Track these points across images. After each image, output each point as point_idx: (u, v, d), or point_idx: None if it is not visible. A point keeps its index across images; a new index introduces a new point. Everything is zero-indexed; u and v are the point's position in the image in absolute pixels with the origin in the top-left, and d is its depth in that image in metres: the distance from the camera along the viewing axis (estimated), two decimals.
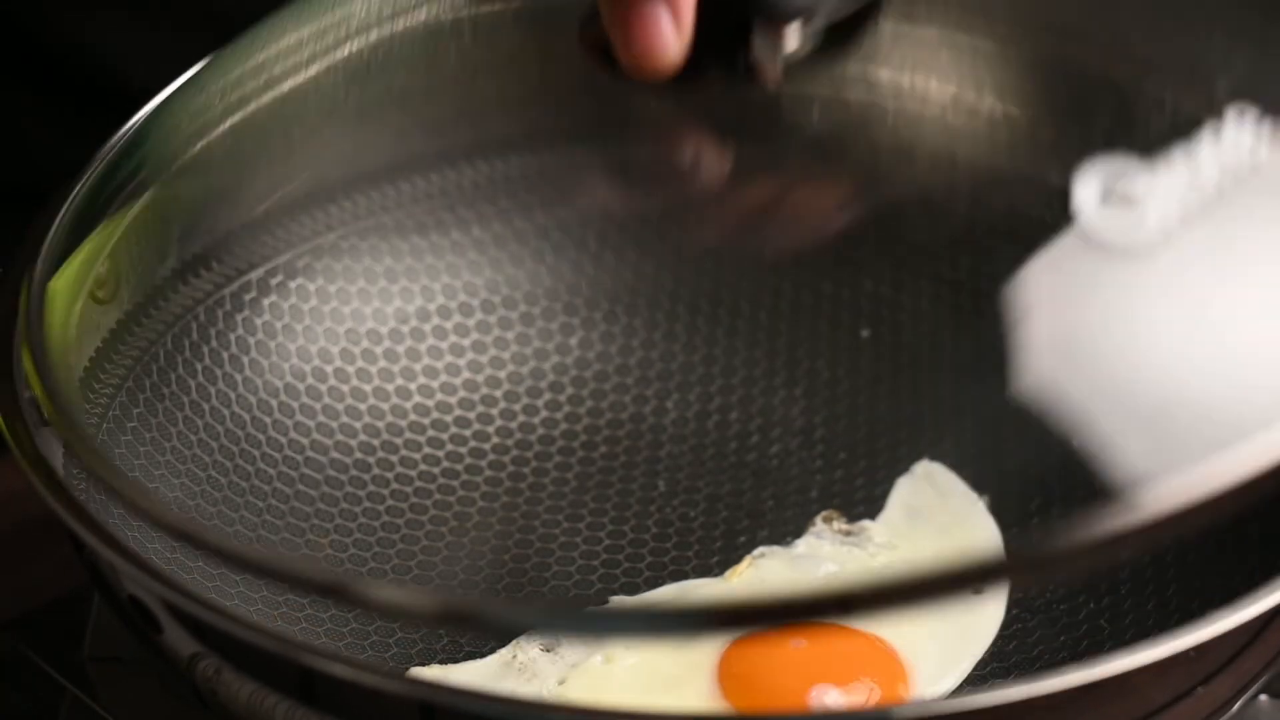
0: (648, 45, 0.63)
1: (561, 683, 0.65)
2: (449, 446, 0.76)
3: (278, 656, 0.55)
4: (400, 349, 0.77)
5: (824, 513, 0.73)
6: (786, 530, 0.73)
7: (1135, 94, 0.76)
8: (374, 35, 0.76)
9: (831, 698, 0.63)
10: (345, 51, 0.76)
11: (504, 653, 0.67)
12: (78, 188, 0.68)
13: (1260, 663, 0.60)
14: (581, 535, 0.73)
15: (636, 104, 0.76)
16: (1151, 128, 0.76)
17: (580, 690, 0.65)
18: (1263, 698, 0.65)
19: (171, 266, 0.72)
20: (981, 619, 0.69)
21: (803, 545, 0.71)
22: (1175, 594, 0.68)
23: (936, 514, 0.73)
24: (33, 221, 0.67)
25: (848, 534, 0.71)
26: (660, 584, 0.70)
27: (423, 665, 0.67)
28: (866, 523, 0.72)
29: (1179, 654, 0.54)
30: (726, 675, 0.65)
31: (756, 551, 0.71)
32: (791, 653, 0.65)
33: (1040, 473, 0.74)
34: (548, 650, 0.67)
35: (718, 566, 0.71)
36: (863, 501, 0.74)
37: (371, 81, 0.76)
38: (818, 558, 0.70)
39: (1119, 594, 0.69)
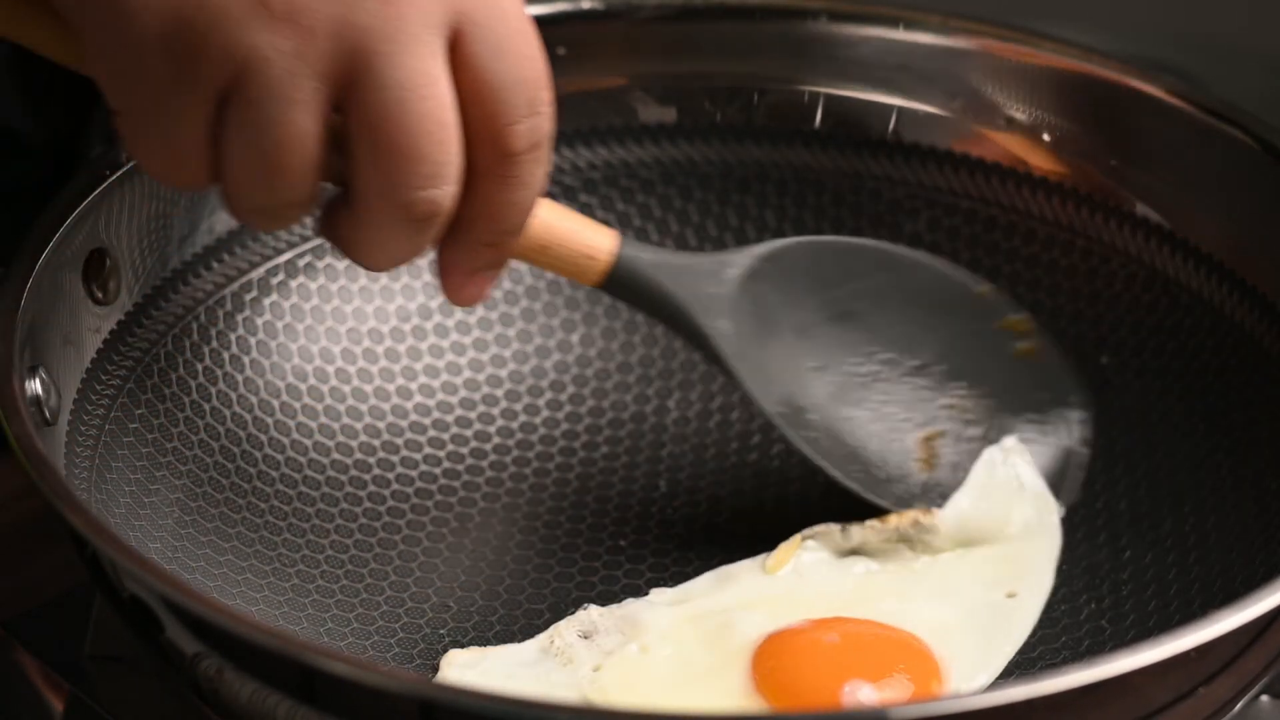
0: None
1: (597, 669, 0.65)
2: (450, 446, 0.76)
3: (279, 656, 0.55)
4: (401, 348, 0.77)
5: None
6: (790, 530, 0.72)
7: (1135, 95, 0.76)
8: None
9: (865, 693, 0.63)
10: None
11: (542, 638, 0.67)
12: (78, 185, 0.68)
13: (1261, 663, 0.60)
14: (583, 536, 0.73)
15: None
16: (1150, 130, 0.76)
17: (615, 678, 0.65)
18: (1264, 698, 0.65)
19: (172, 267, 0.72)
20: (1016, 618, 0.68)
21: (856, 534, 0.71)
22: (1176, 594, 0.68)
23: (1004, 517, 0.72)
24: (34, 220, 0.67)
25: (917, 526, 0.71)
26: (662, 584, 0.70)
27: (430, 661, 0.67)
28: (936, 511, 0.71)
29: (1180, 654, 0.54)
30: (761, 669, 0.65)
31: (807, 531, 0.70)
32: (826, 647, 0.65)
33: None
34: (585, 637, 0.67)
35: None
36: (866, 502, 0.74)
37: None
38: (860, 554, 0.70)
39: (1120, 594, 0.69)
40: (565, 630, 0.67)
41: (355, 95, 0.57)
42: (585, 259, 0.68)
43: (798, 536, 0.70)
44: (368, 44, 0.56)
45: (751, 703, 0.64)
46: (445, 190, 0.58)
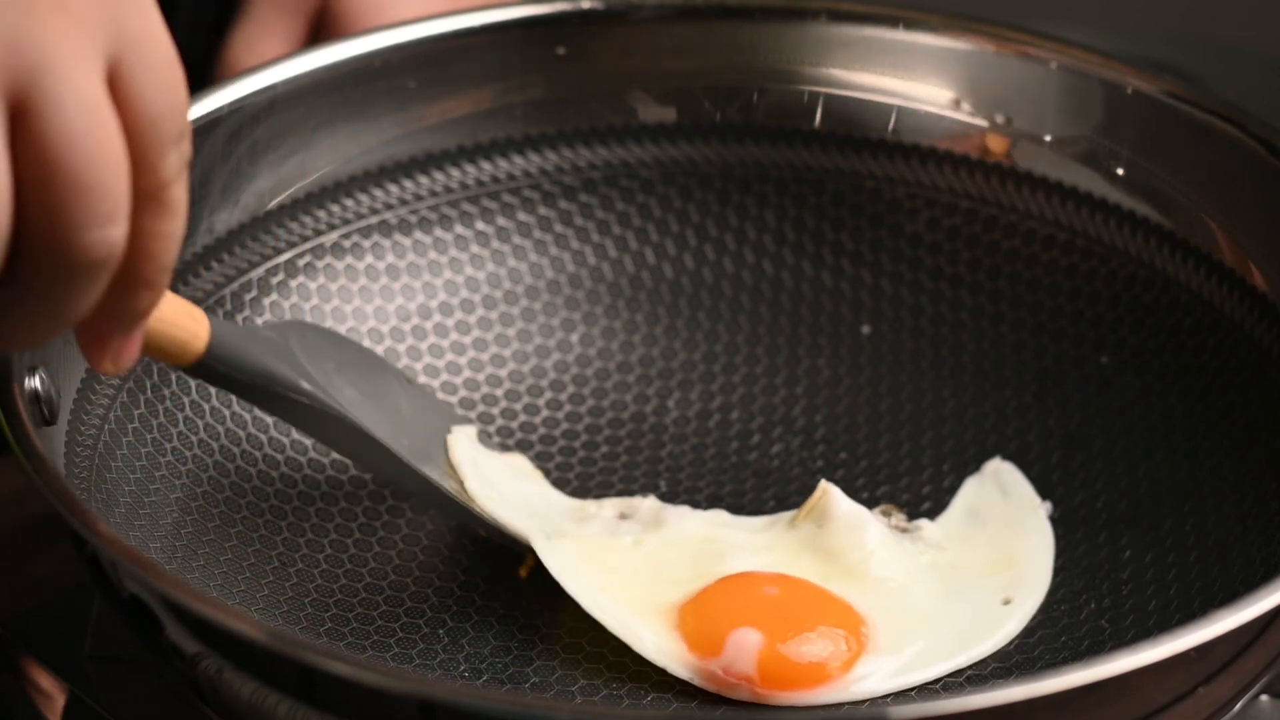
0: None
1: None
2: None
3: (279, 655, 0.55)
4: (401, 348, 0.77)
5: (882, 506, 0.72)
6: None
7: (1135, 95, 0.76)
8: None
9: (749, 636, 0.65)
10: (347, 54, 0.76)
11: (588, 502, 0.72)
12: None
13: (1261, 663, 0.60)
14: None
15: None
16: (1150, 129, 0.76)
17: (589, 549, 0.69)
18: (1263, 698, 0.65)
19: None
20: (1002, 624, 0.68)
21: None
22: (1176, 594, 0.68)
23: (995, 518, 0.72)
24: None
25: (903, 531, 0.71)
26: None
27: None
28: (923, 522, 0.72)
29: (1180, 654, 0.55)
30: (694, 600, 0.67)
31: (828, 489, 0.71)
32: (761, 597, 0.67)
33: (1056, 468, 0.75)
34: (623, 518, 0.71)
35: None
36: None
37: (374, 82, 0.77)
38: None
39: (1120, 594, 0.69)
40: (610, 504, 0.72)
41: (28, 123, 0.50)
42: (187, 332, 0.62)
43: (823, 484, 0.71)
44: (40, 61, 0.50)
45: (664, 618, 0.66)
46: (120, 229, 0.52)
